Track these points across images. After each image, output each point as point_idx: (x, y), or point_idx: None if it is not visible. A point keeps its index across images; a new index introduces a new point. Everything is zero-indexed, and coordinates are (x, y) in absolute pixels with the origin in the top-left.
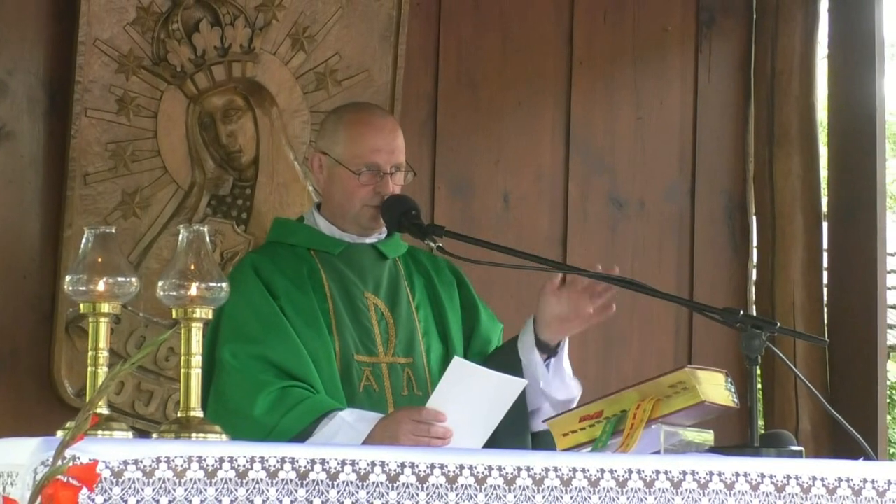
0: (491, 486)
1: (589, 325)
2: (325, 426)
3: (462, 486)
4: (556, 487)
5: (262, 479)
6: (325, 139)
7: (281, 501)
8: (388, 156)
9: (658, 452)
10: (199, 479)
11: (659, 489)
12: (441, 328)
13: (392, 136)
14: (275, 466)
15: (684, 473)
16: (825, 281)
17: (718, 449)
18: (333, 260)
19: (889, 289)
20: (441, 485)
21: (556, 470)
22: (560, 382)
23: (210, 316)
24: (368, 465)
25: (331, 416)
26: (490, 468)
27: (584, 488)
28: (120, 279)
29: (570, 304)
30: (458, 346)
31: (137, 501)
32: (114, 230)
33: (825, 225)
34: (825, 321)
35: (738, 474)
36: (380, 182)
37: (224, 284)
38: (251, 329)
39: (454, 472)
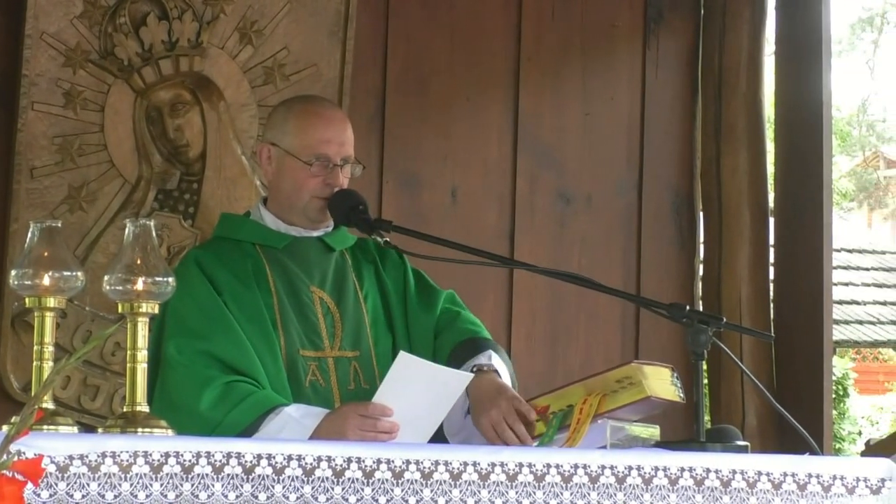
0: (437, 481)
1: None
2: (270, 421)
3: (408, 481)
4: (502, 482)
5: (207, 475)
6: (275, 130)
7: (227, 496)
8: (339, 147)
9: (604, 447)
10: (145, 475)
11: (603, 484)
12: (389, 318)
13: (342, 128)
14: (221, 462)
15: (629, 469)
16: (771, 276)
17: (664, 444)
18: (279, 254)
19: (835, 285)
20: (387, 480)
21: (502, 465)
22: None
23: (156, 310)
24: (314, 460)
25: (277, 412)
26: (436, 463)
27: (530, 483)
28: (66, 273)
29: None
30: (403, 337)
31: (83, 496)
32: (60, 224)
33: (772, 221)
34: (771, 316)
35: (683, 469)
36: (329, 174)
37: (170, 279)
38: (196, 324)
39: (400, 467)
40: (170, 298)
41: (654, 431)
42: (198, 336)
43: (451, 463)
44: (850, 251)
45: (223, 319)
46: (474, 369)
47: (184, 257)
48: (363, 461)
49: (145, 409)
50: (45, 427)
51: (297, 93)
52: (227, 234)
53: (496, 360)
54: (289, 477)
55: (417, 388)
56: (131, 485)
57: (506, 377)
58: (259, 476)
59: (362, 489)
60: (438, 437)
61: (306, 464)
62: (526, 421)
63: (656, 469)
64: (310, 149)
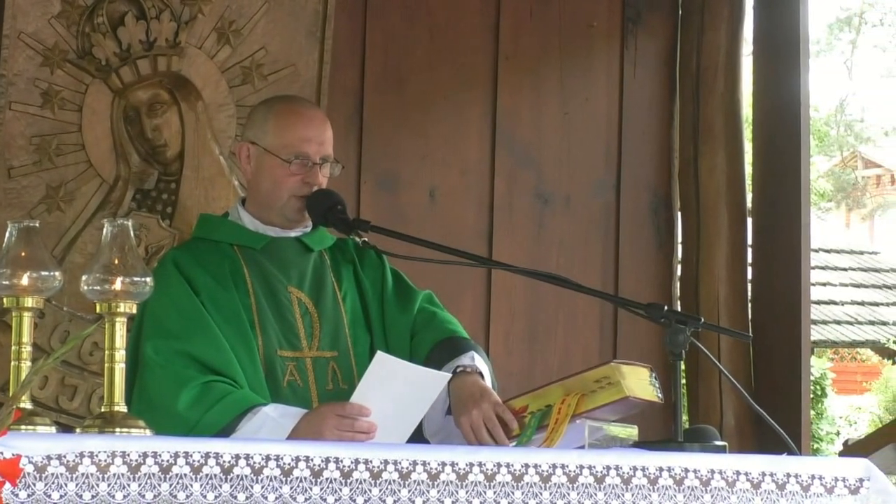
0: (415, 481)
1: None
2: (248, 421)
3: (386, 481)
4: (480, 482)
5: (186, 475)
6: (255, 129)
7: (205, 497)
8: (318, 147)
9: (582, 447)
10: (123, 475)
11: (582, 484)
12: (367, 318)
13: (322, 127)
14: (199, 462)
15: (608, 468)
16: (749, 276)
17: (642, 444)
18: (257, 255)
19: (813, 285)
20: (365, 480)
21: (480, 465)
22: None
23: (134, 310)
24: (293, 460)
25: (254, 412)
26: (414, 463)
27: (508, 483)
28: (44, 273)
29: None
30: (380, 336)
31: (61, 496)
32: (38, 224)
33: (749, 221)
34: (749, 316)
35: (661, 469)
36: (309, 173)
37: (148, 279)
38: (174, 325)
39: (378, 467)
40: (148, 299)
41: (632, 431)
42: (175, 336)
43: (428, 463)
44: (827, 251)
45: (201, 320)
46: (458, 370)
47: (162, 258)
48: (341, 461)
49: (123, 409)
50: (22, 427)
51: (275, 93)
52: (205, 234)
53: (479, 362)
54: (267, 477)
55: (395, 388)
56: (109, 485)
57: (488, 379)
58: (237, 476)
59: (340, 489)
60: (418, 437)
61: (284, 464)
62: (506, 427)
63: (635, 469)
64: (290, 147)
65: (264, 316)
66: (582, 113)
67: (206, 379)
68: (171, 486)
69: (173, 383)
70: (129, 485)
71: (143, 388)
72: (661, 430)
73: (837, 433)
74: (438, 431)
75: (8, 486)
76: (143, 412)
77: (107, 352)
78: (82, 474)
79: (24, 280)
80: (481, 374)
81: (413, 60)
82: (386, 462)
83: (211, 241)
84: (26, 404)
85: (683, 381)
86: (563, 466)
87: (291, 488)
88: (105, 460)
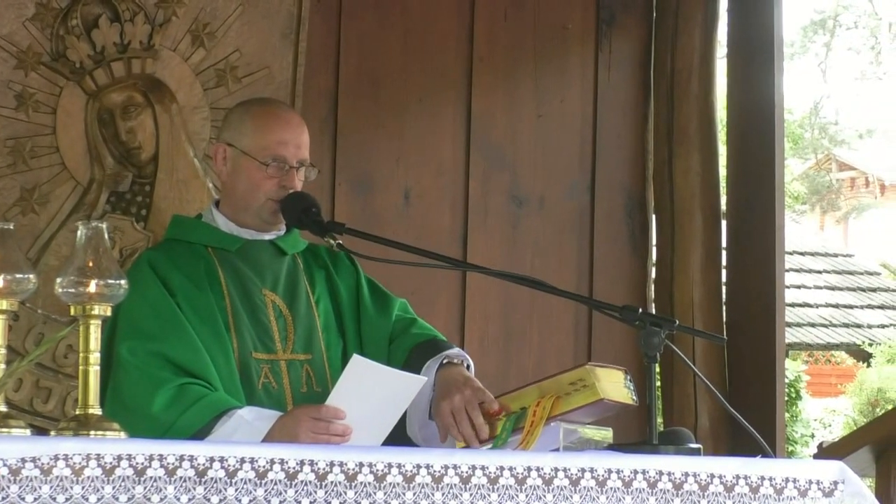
0: (390, 483)
1: None
2: (223, 424)
3: (361, 483)
4: (455, 485)
5: (160, 477)
6: (231, 131)
7: (179, 499)
8: (295, 150)
9: (557, 450)
10: (97, 477)
11: (557, 486)
12: (340, 323)
13: (299, 130)
14: (173, 464)
15: (583, 471)
16: (724, 279)
17: (617, 446)
18: (231, 257)
19: (787, 287)
20: (340, 482)
21: (455, 468)
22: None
23: (109, 313)
24: (267, 462)
25: (229, 414)
26: (389, 466)
27: (483, 486)
28: (18, 276)
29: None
30: (354, 342)
31: (35, 499)
32: (12, 226)
33: (724, 223)
34: (724, 319)
35: (636, 472)
36: (285, 176)
37: (123, 281)
38: (149, 326)
39: (353, 469)
40: (122, 300)
41: (606, 434)
42: (150, 338)
43: (404, 465)
44: (802, 254)
45: (176, 322)
46: (444, 361)
47: (136, 259)
48: (316, 464)
49: (98, 411)
50: None
51: (249, 95)
52: (179, 235)
53: (466, 355)
54: (241, 480)
55: (371, 390)
56: (83, 488)
57: (473, 373)
58: (212, 479)
59: (315, 492)
60: (403, 439)
61: (259, 466)
62: (487, 414)
63: (609, 471)
64: (267, 150)
65: (239, 318)
66: (556, 115)
67: (181, 381)
68: (145, 488)
69: (148, 385)
70: (103, 487)
71: (117, 390)
72: (635, 432)
73: (812, 436)
74: (423, 432)
75: None
76: (117, 413)
77: (81, 354)
78: (56, 477)
79: None
80: (468, 367)
81: (387, 62)
82: (361, 465)
83: (185, 242)
84: (1, 407)
85: (658, 383)
86: (538, 469)
87: (266, 491)
88: (79, 463)
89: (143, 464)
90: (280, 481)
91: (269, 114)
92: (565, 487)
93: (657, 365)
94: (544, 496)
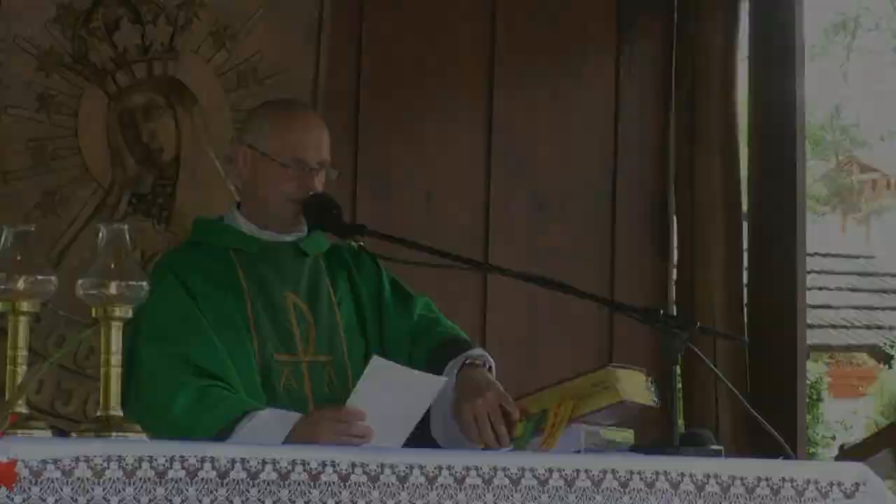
0: (413, 484)
1: None
2: (244, 426)
3: (384, 484)
4: (477, 486)
5: (181, 479)
6: (252, 132)
7: (201, 501)
8: (316, 152)
9: (579, 451)
10: (118, 479)
11: (580, 488)
12: (362, 323)
13: (320, 132)
14: (195, 466)
15: (605, 472)
16: (745, 281)
17: (638, 448)
18: (252, 259)
19: (809, 289)
20: (363, 483)
21: (477, 469)
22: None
23: (130, 314)
24: (289, 463)
25: (250, 416)
26: (411, 467)
27: (505, 486)
28: (39, 277)
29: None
30: (376, 342)
31: (56, 501)
32: (33, 228)
33: (745, 225)
34: (745, 321)
35: (658, 473)
36: (305, 177)
37: (144, 283)
38: (170, 328)
39: (376, 470)
40: (143, 302)
41: (627, 435)
42: (172, 340)
43: (425, 466)
44: (823, 256)
45: (197, 324)
46: (467, 361)
47: (158, 261)
48: (338, 465)
49: (119, 413)
50: (18, 431)
51: (271, 97)
52: (201, 238)
53: (488, 355)
54: (264, 481)
55: (391, 391)
56: (104, 489)
57: (495, 374)
58: (233, 480)
59: (339, 492)
60: (424, 440)
61: (281, 467)
62: (509, 420)
63: (631, 473)
64: (288, 151)
65: (260, 320)
66: (577, 117)
67: (202, 383)
68: (166, 490)
69: (169, 387)
70: (124, 489)
71: (138, 392)
72: (656, 434)
73: (833, 437)
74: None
75: (4, 490)
76: (138, 416)
77: (103, 356)
78: (78, 478)
79: (20, 284)
80: (490, 369)
81: (408, 65)
82: (383, 465)
83: (207, 244)
84: (22, 408)
85: (679, 385)
86: (560, 470)
87: (290, 491)
88: (101, 464)
89: (164, 465)
90: (303, 482)
91: (289, 115)
92: (588, 489)
93: (678, 367)
94: (566, 497)
